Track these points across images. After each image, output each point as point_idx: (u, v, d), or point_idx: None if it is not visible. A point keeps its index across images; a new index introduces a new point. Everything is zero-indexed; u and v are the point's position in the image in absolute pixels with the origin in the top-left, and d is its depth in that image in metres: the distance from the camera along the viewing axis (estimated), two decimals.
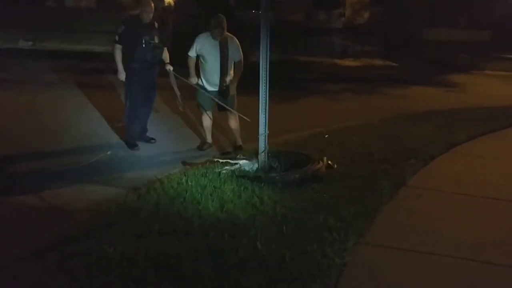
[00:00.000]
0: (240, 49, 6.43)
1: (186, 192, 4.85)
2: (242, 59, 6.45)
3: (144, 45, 6.38)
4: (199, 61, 6.49)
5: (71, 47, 15.52)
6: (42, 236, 4.09)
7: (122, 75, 6.45)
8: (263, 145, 5.54)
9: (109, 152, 6.37)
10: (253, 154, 5.73)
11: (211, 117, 6.71)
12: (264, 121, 5.51)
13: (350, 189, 5.14)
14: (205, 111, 6.63)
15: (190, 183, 5.09)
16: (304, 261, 3.67)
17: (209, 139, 6.82)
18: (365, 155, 6.32)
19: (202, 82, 6.52)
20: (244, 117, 6.28)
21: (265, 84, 5.44)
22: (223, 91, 6.49)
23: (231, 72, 6.48)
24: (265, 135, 5.53)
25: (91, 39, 16.13)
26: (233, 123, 6.70)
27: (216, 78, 6.46)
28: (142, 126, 6.84)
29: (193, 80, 6.49)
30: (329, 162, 5.67)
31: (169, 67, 6.66)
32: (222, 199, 4.72)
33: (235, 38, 6.43)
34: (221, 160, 5.71)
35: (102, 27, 17.00)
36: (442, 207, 4.96)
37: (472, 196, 5.30)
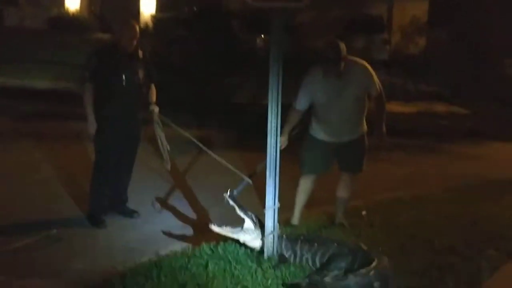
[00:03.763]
0: (374, 76, 6.30)
1: None
2: (381, 90, 6.33)
3: (124, 84, 6.42)
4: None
5: (8, 81, 15.80)
6: None
7: (93, 126, 6.45)
8: (271, 224, 5.43)
9: (55, 231, 6.26)
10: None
11: (313, 184, 6.58)
12: (273, 188, 5.44)
13: None
14: (310, 173, 6.51)
15: (163, 278, 5.04)
16: None
17: (295, 219, 6.64)
18: (422, 242, 6.30)
19: (315, 132, 6.41)
20: (244, 177, 6.06)
21: (274, 136, 5.42)
22: (348, 144, 6.40)
23: (363, 114, 6.39)
24: (274, 209, 5.43)
25: (35, 71, 16.42)
26: (345, 190, 6.65)
27: (338, 126, 6.35)
28: (120, 194, 6.87)
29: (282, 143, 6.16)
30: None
31: (154, 107, 6.67)
32: None
33: (362, 63, 6.32)
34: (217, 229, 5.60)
35: (53, 55, 17.34)
36: None
37: None
